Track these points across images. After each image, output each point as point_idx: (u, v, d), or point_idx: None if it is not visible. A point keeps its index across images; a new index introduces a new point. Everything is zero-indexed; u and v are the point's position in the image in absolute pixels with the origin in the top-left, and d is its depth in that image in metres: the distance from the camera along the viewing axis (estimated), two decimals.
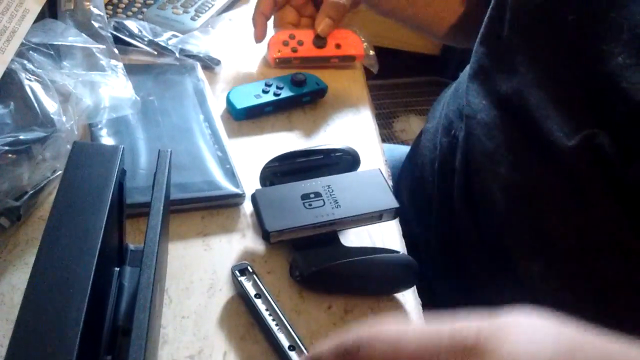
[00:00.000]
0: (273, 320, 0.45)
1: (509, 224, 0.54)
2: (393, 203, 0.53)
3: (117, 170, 0.37)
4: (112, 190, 0.36)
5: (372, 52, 0.78)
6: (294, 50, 0.74)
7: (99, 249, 0.33)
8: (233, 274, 0.48)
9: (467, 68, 0.65)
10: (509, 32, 0.57)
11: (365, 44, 0.78)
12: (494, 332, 0.27)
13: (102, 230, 0.34)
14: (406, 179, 0.78)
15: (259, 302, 0.46)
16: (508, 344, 0.26)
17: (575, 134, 0.48)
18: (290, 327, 0.44)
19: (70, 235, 0.33)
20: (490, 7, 0.61)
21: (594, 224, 0.48)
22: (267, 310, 0.46)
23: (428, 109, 0.80)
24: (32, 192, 0.50)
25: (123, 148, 0.38)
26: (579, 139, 0.47)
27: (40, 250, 0.32)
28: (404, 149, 0.87)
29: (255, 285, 0.47)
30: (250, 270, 0.48)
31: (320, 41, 0.75)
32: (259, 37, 0.74)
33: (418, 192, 0.70)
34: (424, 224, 0.67)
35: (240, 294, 0.48)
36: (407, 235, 0.57)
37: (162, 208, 0.36)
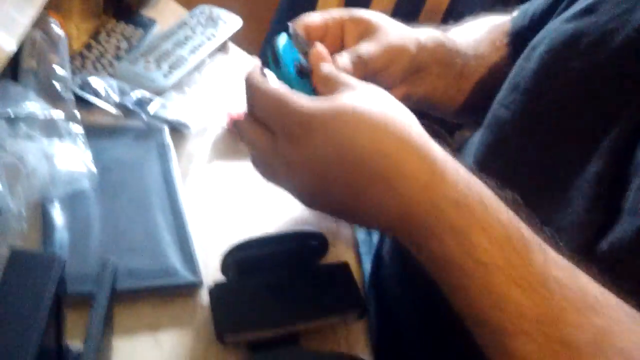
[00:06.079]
0: None
1: None
2: (358, 303, 0.50)
3: (54, 285, 0.34)
4: (46, 309, 0.33)
5: None
6: None
7: None
8: None
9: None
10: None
11: None
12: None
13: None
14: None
15: None
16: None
17: None
18: None
19: None
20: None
21: None
22: None
23: None
24: None
25: (65, 262, 0.35)
26: None
27: None
28: None
29: None
30: None
31: None
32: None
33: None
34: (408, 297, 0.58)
35: None
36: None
37: (99, 337, 0.33)
